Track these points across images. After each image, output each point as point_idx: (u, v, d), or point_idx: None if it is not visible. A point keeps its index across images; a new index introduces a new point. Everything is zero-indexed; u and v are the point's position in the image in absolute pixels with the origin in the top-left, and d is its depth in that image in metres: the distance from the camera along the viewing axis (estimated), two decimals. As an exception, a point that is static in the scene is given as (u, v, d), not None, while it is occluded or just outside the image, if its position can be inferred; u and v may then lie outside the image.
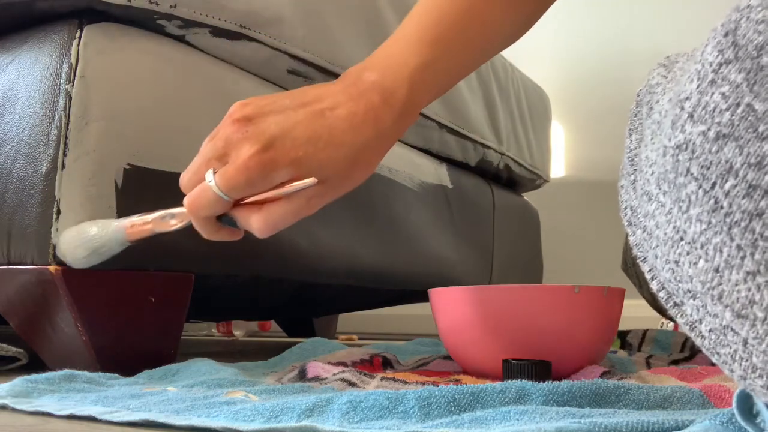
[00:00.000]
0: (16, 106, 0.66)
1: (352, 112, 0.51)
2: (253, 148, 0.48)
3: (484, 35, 0.60)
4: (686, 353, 0.81)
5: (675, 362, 0.74)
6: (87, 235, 0.59)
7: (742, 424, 0.31)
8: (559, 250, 1.76)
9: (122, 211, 0.64)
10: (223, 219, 0.52)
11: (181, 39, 0.72)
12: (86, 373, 0.56)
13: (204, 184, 0.50)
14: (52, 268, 0.61)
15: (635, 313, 1.15)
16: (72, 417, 0.43)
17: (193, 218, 0.52)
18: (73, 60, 0.63)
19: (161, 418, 0.41)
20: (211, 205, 0.50)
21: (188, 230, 0.57)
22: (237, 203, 0.51)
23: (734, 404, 0.32)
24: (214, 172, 0.49)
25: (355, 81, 0.54)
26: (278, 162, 0.49)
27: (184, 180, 0.52)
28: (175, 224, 0.55)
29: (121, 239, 0.58)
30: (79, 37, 0.64)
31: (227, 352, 1.14)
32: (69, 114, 0.62)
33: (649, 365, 0.71)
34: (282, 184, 0.49)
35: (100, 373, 0.57)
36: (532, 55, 1.87)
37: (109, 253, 0.59)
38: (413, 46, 0.56)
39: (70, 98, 0.62)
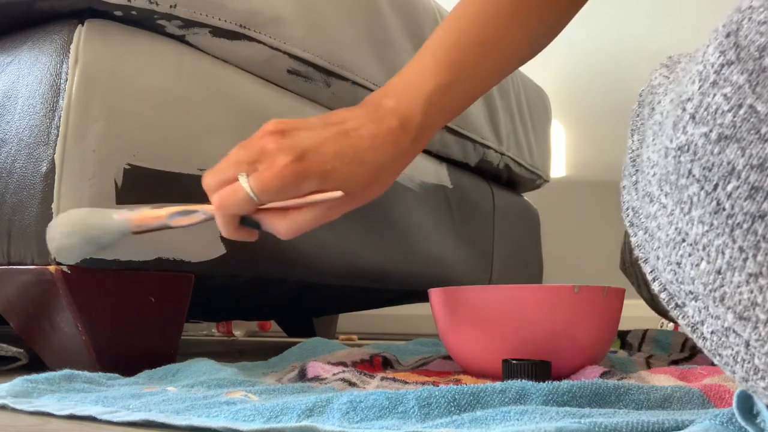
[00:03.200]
0: (16, 106, 0.66)
1: (373, 134, 0.56)
2: (288, 158, 0.52)
3: (501, 56, 0.63)
4: (686, 353, 0.81)
5: (675, 362, 0.74)
6: (85, 224, 0.58)
7: (742, 424, 0.31)
8: (559, 250, 1.76)
9: (122, 211, 0.64)
10: (245, 221, 0.56)
11: (181, 39, 0.72)
12: (86, 373, 0.56)
13: (237, 184, 0.53)
14: (52, 268, 0.61)
15: (635, 313, 1.15)
16: (72, 417, 0.43)
17: (219, 215, 0.55)
18: (72, 60, 0.63)
19: (161, 418, 0.41)
20: (240, 204, 0.54)
21: (189, 230, 0.58)
22: (260, 208, 0.55)
23: (734, 404, 0.32)
24: (247, 176, 0.53)
25: (376, 107, 0.58)
26: (309, 173, 0.53)
27: (208, 179, 0.56)
28: (190, 221, 0.58)
29: (125, 229, 0.58)
30: (79, 38, 0.64)
31: (227, 352, 1.14)
32: (69, 114, 0.62)
33: (649, 365, 0.71)
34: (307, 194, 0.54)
35: (100, 373, 0.57)
36: (532, 55, 1.86)
37: (108, 244, 0.59)
38: (429, 71, 0.59)
39: (70, 98, 0.62)
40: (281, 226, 0.55)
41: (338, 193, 0.54)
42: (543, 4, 0.63)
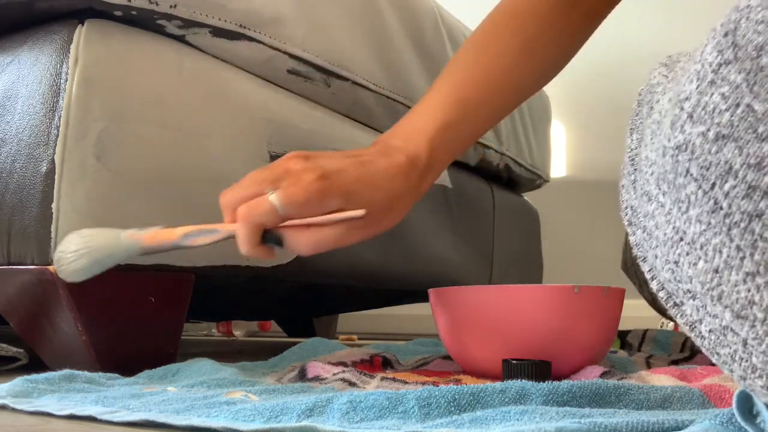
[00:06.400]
0: (16, 106, 0.66)
1: (386, 166, 0.60)
2: (314, 174, 0.55)
3: (506, 93, 0.68)
4: (686, 353, 0.81)
5: (675, 362, 0.74)
6: (92, 246, 0.57)
7: (742, 424, 0.31)
8: (559, 250, 1.76)
9: (122, 211, 0.64)
10: (266, 237, 0.57)
11: (181, 39, 0.72)
12: (86, 373, 0.56)
13: (263, 197, 0.55)
14: (52, 268, 0.61)
15: (635, 313, 1.15)
16: (72, 417, 0.43)
17: (243, 228, 0.56)
18: (72, 60, 0.63)
19: (161, 418, 0.41)
20: (266, 214, 0.55)
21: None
22: (282, 225, 0.56)
23: (734, 404, 0.32)
24: (274, 191, 0.55)
25: (385, 146, 0.63)
26: (333, 191, 0.56)
27: (227, 196, 0.57)
28: (208, 240, 0.57)
29: (134, 250, 0.58)
30: (79, 38, 0.64)
31: (227, 352, 1.14)
32: (69, 114, 0.62)
33: (649, 365, 0.71)
34: (329, 213, 0.56)
35: (100, 373, 0.57)
36: (532, 55, 1.87)
37: (115, 263, 0.58)
38: (433, 111, 0.64)
39: (70, 98, 0.62)
40: (303, 240, 0.56)
41: (361, 211, 0.56)
42: (547, 43, 0.68)
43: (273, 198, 0.55)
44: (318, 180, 0.55)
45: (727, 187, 0.26)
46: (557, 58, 0.70)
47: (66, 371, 0.55)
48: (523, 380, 0.44)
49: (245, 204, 0.56)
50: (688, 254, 0.28)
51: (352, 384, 0.55)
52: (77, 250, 0.57)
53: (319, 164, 0.56)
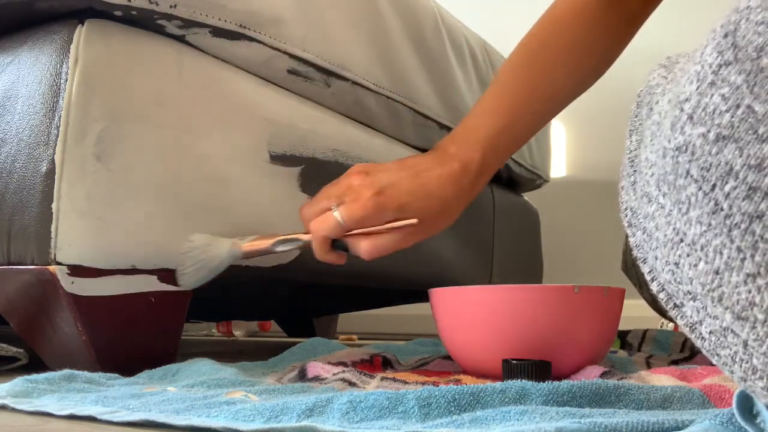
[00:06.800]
0: (16, 106, 0.66)
1: (439, 174, 0.68)
2: (370, 191, 0.64)
3: (551, 99, 0.75)
4: (686, 353, 0.81)
5: (675, 362, 0.74)
6: (208, 257, 0.67)
7: (742, 424, 0.31)
8: (559, 250, 1.76)
9: (122, 211, 0.64)
10: (336, 245, 0.67)
11: (181, 39, 0.72)
12: (86, 373, 0.56)
13: (329, 213, 0.65)
14: (52, 268, 0.61)
15: (635, 313, 1.15)
16: (72, 417, 0.43)
17: (314, 237, 0.66)
18: (72, 60, 0.63)
19: (161, 418, 0.41)
20: (331, 228, 0.65)
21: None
22: (347, 234, 0.65)
23: (734, 404, 0.32)
24: (337, 206, 0.65)
25: (442, 152, 0.70)
26: (387, 205, 0.65)
27: (305, 210, 0.68)
28: (290, 247, 0.68)
29: (236, 256, 0.68)
30: (79, 38, 0.64)
31: (227, 352, 1.14)
32: (69, 114, 0.62)
33: (649, 365, 0.71)
34: (386, 222, 0.65)
35: (100, 373, 0.57)
36: (532, 54, 1.86)
37: (219, 270, 0.68)
38: (487, 116, 0.71)
39: (70, 98, 0.62)
40: (364, 247, 0.65)
41: (414, 220, 0.65)
42: (586, 52, 0.74)
43: (337, 214, 0.64)
44: (374, 196, 0.64)
45: (727, 188, 0.26)
46: (596, 65, 0.77)
47: (66, 371, 0.55)
48: (523, 380, 0.44)
49: (315, 219, 0.66)
50: (688, 255, 0.28)
51: (352, 384, 0.55)
52: (194, 264, 0.67)
53: (376, 179, 0.65)
